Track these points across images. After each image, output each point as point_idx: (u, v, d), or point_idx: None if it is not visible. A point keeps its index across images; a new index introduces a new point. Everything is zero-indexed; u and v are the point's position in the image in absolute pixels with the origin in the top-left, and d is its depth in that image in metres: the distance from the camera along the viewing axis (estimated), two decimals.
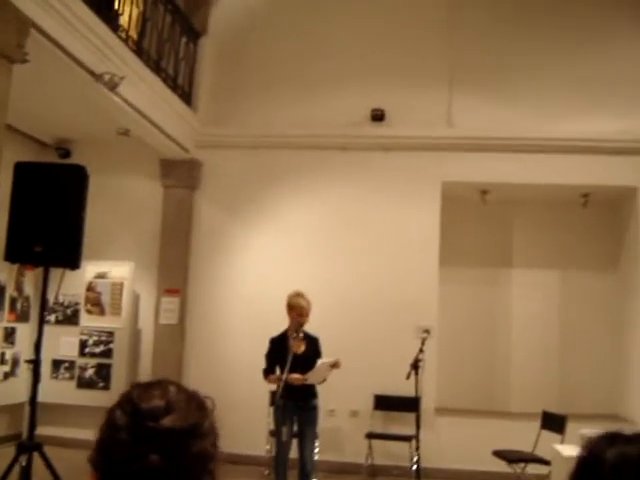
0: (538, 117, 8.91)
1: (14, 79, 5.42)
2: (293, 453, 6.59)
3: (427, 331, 7.36)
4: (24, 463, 5.07)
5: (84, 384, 9.06)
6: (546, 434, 7.55)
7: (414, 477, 7.46)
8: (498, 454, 7.60)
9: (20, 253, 5.36)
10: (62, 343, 9.02)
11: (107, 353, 9.09)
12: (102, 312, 9.17)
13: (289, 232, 9.15)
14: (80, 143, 9.52)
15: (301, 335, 6.51)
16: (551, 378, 9.43)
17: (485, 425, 8.61)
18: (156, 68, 8.24)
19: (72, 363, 9.11)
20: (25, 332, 8.87)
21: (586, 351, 9.44)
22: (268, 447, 8.12)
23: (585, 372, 9.33)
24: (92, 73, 6.56)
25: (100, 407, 1.37)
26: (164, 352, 9.07)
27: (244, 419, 8.39)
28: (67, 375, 9.08)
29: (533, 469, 7.42)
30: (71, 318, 9.20)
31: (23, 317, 9.04)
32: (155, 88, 8.13)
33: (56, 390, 8.68)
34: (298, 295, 6.63)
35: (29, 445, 5.15)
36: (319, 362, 6.42)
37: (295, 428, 6.59)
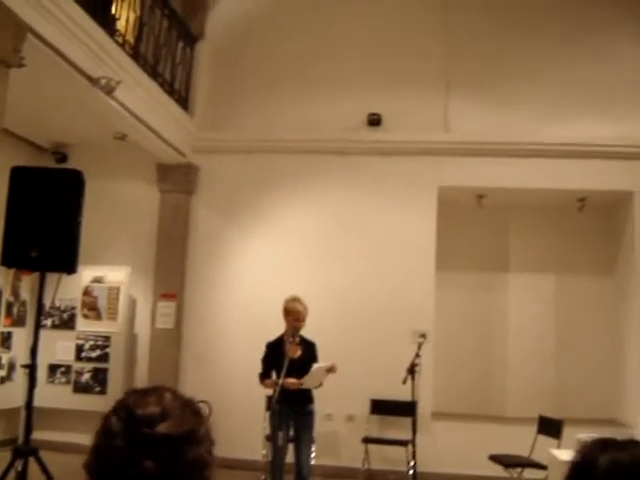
0: (534, 122, 8.93)
1: (11, 83, 5.42)
2: (289, 458, 6.59)
3: (423, 335, 7.35)
4: (20, 468, 5.05)
5: (80, 389, 9.05)
6: (543, 439, 7.55)
7: None
8: (495, 459, 7.60)
9: (16, 258, 5.35)
10: (58, 348, 9.01)
11: (103, 358, 9.08)
12: (98, 316, 9.17)
13: (286, 236, 9.15)
14: (77, 147, 9.51)
15: (297, 340, 6.51)
16: (548, 382, 9.43)
17: (482, 430, 8.61)
18: (153, 73, 8.24)
19: (68, 367, 9.10)
20: (21, 337, 8.86)
21: (583, 355, 9.45)
22: (264, 452, 8.10)
23: (582, 376, 9.34)
24: (89, 77, 6.56)
25: (96, 412, 1.37)
26: (160, 357, 9.07)
27: (240, 424, 8.39)
28: (63, 380, 9.07)
29: (530, 474, 7.42)
30: (67, 323, 9.19)
31: (19, 322, 9.03)
32: (152, 93, 8.13)
33: (52, 395, 8.65)
34: (295, 300, 6.63)
35: (25, 450, 5.13)
36: (314, 366, 6.42)
37: (291, 433, 6.59)
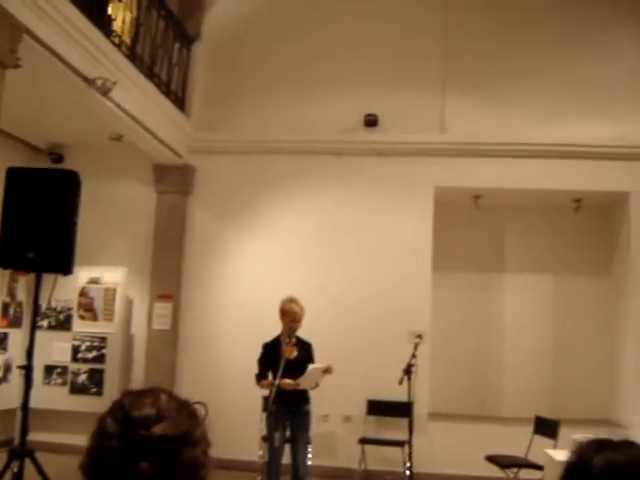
0: (531, 122, 8.94)
1: (7, 84, 5.41)
2: (286, 458, 6.58)
3: (420, 336, 7.35)
4: (16, 469, 5.05)
5: (77, 390, 9.03)
6: (539, 439, 7.56)
7: None
8: (491, 459, 7.60)
9: (12, 259, 5.36)
10: (55, 348, 9.00)
11: (100, 358, 9.07)
12: (95, 317, 9.15)
13: (282, 237, 9.15)
14: (73, 148, 9.50)
15: (294, 340, 6.51)
16: (544, 383, 9.44)
17: (478, 430, 8.61)
18: (149, 73, 8.23)
19: (64, 369, 9.09)
20: (18, 338, 8.84)
21: (579, 356, 9.46)
22: (261, 452, 8.10)
23: (578, 377, 9.35)
24: (85, 78, 6.55)
25: (93, 413, 1.37)
26: (157, 357, 9.06)
27: (237, 424, 8.38)
28: (59, 381, 9.05)
29: (526, 474, 7.42)
30: (64, 323, 9.17)
31: (16, 323, 9.02)
32: (148, 93, 8.13)
33: (48, 396, 8.64)
34: (291, 300, 6.63)
35: (21, 451, 5.14)
36: (310, 367, 6.41)
37: (288, 433, 6.59)
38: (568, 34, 9.11)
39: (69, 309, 9.17)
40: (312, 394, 6.65)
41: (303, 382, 6.37)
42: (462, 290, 9.76)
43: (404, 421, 7.48)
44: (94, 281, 9.18)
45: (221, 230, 9.32)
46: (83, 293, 9.19)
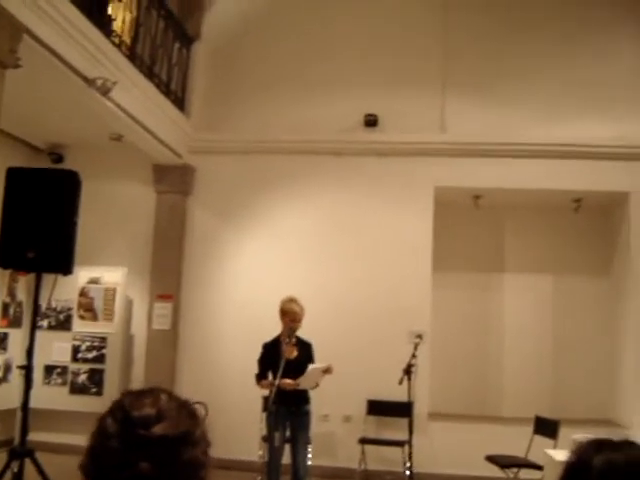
0: (531, 122, 8.94)
1: (7, 84, 5.41)
2: (286, 458, 6.58)
3: (420, 336, 7.35)
4: (16, 469, 5.05)
5: (77, 390, 9.03)
6: (539, 439, 7.56)
7: None
8: (491, 459, 7.60)
9: (12, 259, 5.36)
10: (55, 348, 9.00)
11: (100, 358, 9.07)
12: (95, 317, 9.15)
13: (282, 237, 9.15)
14: (73, 148, 9.50)
15: (294, 340, 6.51)
16: (544, 383, 9.44)
17: (478, 430, 8.61)
18: (149, 73, 8.23)
19: (65, 369, 9.08)
20: (18, 338, 8.84)
21: (579, 356, 9.46)
22: (261, 452, 8.10)
23: (578, 377, 9.34)
24: (85, 78, 6.55)
25: (93, 413, 1.37)
26: (157, 357, 9.06)
27: (237, 424, 8.38)
28: (59, 381, 9.05)
29: (526, 474, 7.42)
30: (64, 323, 9.17)
31: (16, 323, 9.02)
32: (148, 93, 8.13)
33: (48, 396, 8.63)
34: (291, 300, 6.63)
35: (21, 451, 5.14)
36: (310, 367, 6.41)
37: (288, 433, 6.59)
38: (568, 34, 9.10)
39: (69, 309, 9.17)
40: (312, 394, 6.65)
41: (303, 382, 6.37)
42: (462, 290, 9.76)
43: (404, 421, 7.48)
44: (94, 281, 9.18)
45: (221, 230, 9.32)
46: (83, 293, 9.19)
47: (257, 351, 6.64)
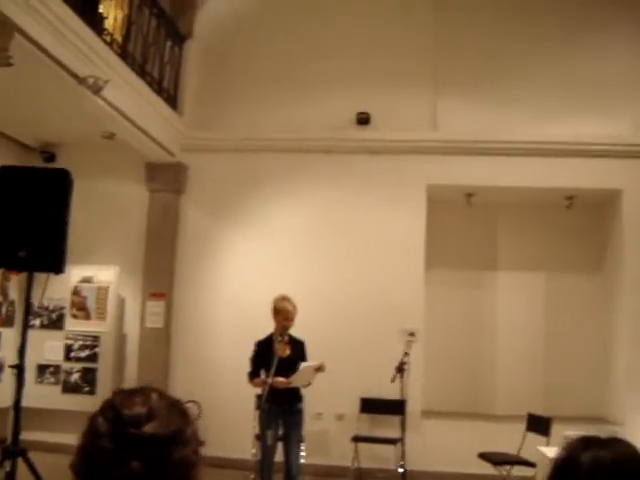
0: (523, 120, 8.95)
1: None
2: (279, 457, 6.59)
3: (412, 334, 7.38)
4: (8, 468, 5.04)
5: (69, 389, 9.02)
6: (531, 436, 7.57)
7: None
8: (484, 456, 7.62)
9: (4, 258, 5.33)
10: (47, 348, 8.98)
11: (92, 357, 9.05)
12: (87, 316, 9.13)
13: (274, 236, 9.15)
14: (65, 147, 9.47)
15: (286, 339, 6.51)
16: (537, 380, 9.46)
17: (471, 428, 8.64)
18: (141, 71, 8.22)
19: (57, 368, 9.06)
20: (10, 337, 8.81)
21: (571, 353, 9.47)
22: (254, 451, 8.09)
23: (570, 374, 9.36)
24: (76, 77, 6.53)
25: (85, 412, 1.37)
26: (150, 356, 9.05)
27: (230, 423, 8.39)
28: (52, 380, 9.03)
29: (519, 471, 7.44)
30: (56, 322, 9.15)
31: (8, 322, 8.99)
32: (140, 91, 8.11)
33: (41, 395, 8.60)
34: (284, 299, 6.64)
35: (13, 450, 5.12)
36: (302, 365, 6.42)
37: (280, 432, 6.60)
38: (564, 32, 9.11)
39: (61, 308, 9.14)
40: (305, 392, 6.65)
41: (295, 380, 6.38)
42: (455, 288, 9.77)
43: (397, 419, 7.51)
44: (86, 280, 9.16)
45: (213, 229, 9.32)
46: (75, 292, 9.17)
47: (250, 349, 6.64)
